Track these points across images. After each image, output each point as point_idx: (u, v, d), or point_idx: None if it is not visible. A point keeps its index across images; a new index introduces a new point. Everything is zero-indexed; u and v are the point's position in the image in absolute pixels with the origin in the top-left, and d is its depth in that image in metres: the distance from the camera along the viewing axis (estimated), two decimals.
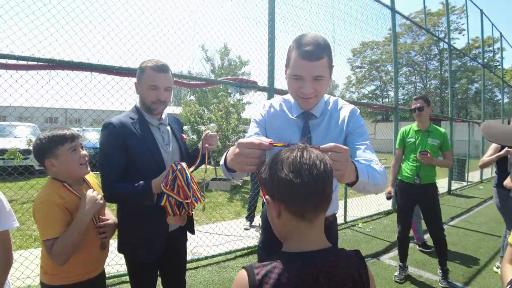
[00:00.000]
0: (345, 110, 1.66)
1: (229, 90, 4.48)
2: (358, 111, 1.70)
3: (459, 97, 29.34)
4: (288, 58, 1.53)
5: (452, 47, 10.37)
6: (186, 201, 1.74)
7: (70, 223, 1.65)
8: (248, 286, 0.91)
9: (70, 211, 1.67)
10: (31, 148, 8.69)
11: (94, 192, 1.74)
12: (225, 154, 1.37)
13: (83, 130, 13.05)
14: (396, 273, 3.90)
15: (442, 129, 3.89)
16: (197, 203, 1.78)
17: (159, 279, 2.11)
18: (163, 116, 2.03)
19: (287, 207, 0.96)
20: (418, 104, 3.80)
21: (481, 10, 12.26)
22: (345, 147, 1.08)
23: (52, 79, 3.14)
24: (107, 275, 3.50)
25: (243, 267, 0.97)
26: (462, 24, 25.78)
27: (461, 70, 27.50)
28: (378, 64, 32.96)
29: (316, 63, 1.42)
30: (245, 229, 5.58)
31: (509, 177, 0.73)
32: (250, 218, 5.82)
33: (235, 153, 1.13)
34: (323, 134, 1.62)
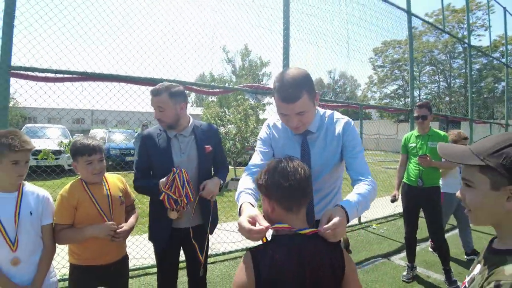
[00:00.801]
0: (340, 123, 1.83)
1: (246, 97, 4.73)
2: (352, 122, 1.86)
3: (485, 96, 28.48)
4: (274, 96, 1.70)
5: (472, 47, 10.23)
6: (179, 198, 2.16)
7: (72, 216, 2.04)
8: (252, 261, 1.22)
9: (76, 207, 2.05)
10: (62, 149, 9.22)
11: (111, 227, 2.06)
12: (240, 205, 1.52)
13: (109, 131, 13.66)
14: (404, 273, 4.05)
15: (442, 132, 4.02)
16: (187, 201, 2.19)
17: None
18: (187, 126, 2.40)
19: (279, 204, 1.29)
20: (422, 113, 3.96)
21: (504, 8, 11.98)
22: (338, 222, 1.28)
23: (84, 90, 3.51)
24: (133, 267, 3.88)
25: (248, 249, 1.27)
26: (489, 21, 24.98)
27: (487, 68, 26.70)
28: (400, 63, 32.40)
29: (295, 104, 1.59)
30: None
31: (459, 190, 0.86)
32: None
33: (244, 230, 1.28)
34: (321, 147, 1.81)
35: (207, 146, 2.43)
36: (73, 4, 3.45)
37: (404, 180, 4.18)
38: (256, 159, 1.87)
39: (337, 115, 1.89)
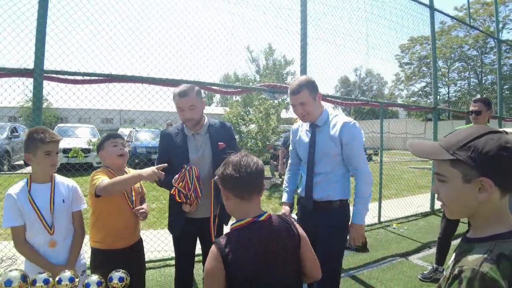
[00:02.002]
0: (339, 123, 2.37)
1: (263, 95, 4.83)
2: (352, 123, 2.35)
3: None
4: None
5: (501, 41, 9.84)
6: (188, 193, 2.35)
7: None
8: (218, 253, 1.40)
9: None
10: (90, 147, 9.72)
11: (154, 172, 2.21)
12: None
13: (137, 131, 14.14)
14: (425, 272, 3.94)
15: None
16: (195, 196, 2.36)
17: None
18: (203, 125, 2.58)
19: (233, 193, 1.48)
20: (476, 108, 3.70)
21: None
22: (358, 237, 2.37)
23: (110, 91, 3.74)
24: (154, 259, 4.08)
25: (213, 242, 1.47)
26: None
27: None
28: (428, 60, 31.34)
29: (298, 96, 2.35)
30: None
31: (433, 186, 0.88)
32: None
33: None
34: (325, 138, 2.40)
35: (220, 143, 2.59)
36: (99, 11, 3.67)
37: None
38: (293, 159, 2.82)
39: (341, 117, 2.43)
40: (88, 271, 2.34)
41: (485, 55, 29.67)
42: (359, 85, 52.72)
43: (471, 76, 31.79)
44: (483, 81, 30.04)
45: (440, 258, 3.92)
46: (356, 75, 55.50)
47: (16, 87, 3.47)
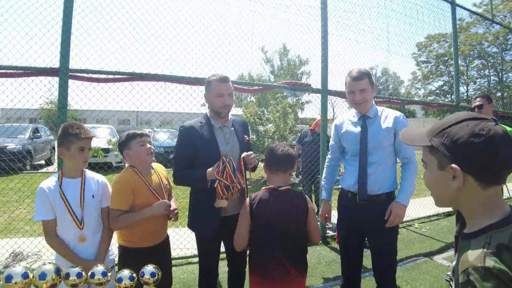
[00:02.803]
0: (391, 115, 2.52)
1: (284, 93, 4.79)
2: (401, 115, 2.52)
3: None
4: (345, 83, 2.58)
5: None
6: (232, 184, 2.32)
7: (131, 202, 2.23)
8: (248, 200, 2.15)
9: (134, 193, 2.24)
10: (110, 147, 9.84)
11: (166, 204, 2.29)
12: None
13: (154, 131, 14.32)
14: (449, 273, 3.89)
15: (508, 127, 3.82)
16: (240, 186, 2.36)
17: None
18: (228, 119, 2.55)
19: (267, 167, 2.18)
20: (477, 103, 3.86)
21: None
22: (399, 216, 2.38)
23: (133, 89, 3.78)
24: (177, 256, 4.10)
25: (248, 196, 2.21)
26: None
27: None
28: (446, 58, 30.68)
29: (360, 82, 2.46)
30: None
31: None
32: None
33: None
34: (377, 129, 2.50)
35: (245, 136, 2.60)
36: (122, 11, 3.72)
37: None
38: (331, 152, 2.90)
39: (390, 110, 2.57)
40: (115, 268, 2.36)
41: (505, 52, 28.84)
42: (375, 84, 52.06)
43: (491, 74, 30.95)
44: (504, 79, 29.22)
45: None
46: (372, 74, 54.65)
47: (38, 89, 3.52)
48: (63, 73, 3.44)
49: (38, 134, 11.90)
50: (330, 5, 4.85)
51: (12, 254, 4.02)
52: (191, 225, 2.54)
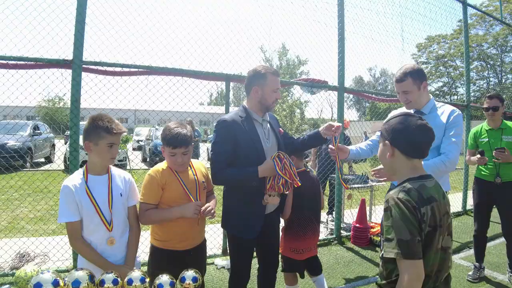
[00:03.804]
0: (447, 110, 2.41)
1: (301, 90, 4.67)
2: (457, 112, 2.40)
3: None
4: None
5: None
6: (292, 181, 2.17)
7: (159, 197, 2.09)
8: None
9: (163, 187, 2.10)
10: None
11: (196, 206, 2.07)
12: None
13: (156, 129, 14.10)
14: (470, 273, 3.84)
15: None
16: (300, 183, 2.20)
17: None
18: (266, 115, 2.39)
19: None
20: (493, 104, 3.69)
21: None
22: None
23: (149, 83, 3.64)
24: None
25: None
26: None
27: None
28: (446, 59, 30.73)
29: (401, 84, 2.41)
30: None
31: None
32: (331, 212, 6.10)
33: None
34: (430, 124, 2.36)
35: (280, 129, 2.50)
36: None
37: (475, 175, 3.93)
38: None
39: (448, 106, 2.47)
40: (143, 268, 2.22)
41: (505, 53, 28.92)
42: (374, 84, 52.23)
43: (491, 75, 31.04)
44: (503, 80, 29.31)
45: (479, 255, 3.89)
46: (371, 75, 54.91)
47: (37, 85, 3.37)
48: (77, 65, 3.30)
49: (38, 131, 11.67)
50: (346, 2, 4.74)
51: (18, 255, 3.87)
52: (228, 226, 2.37)
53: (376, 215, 5.94)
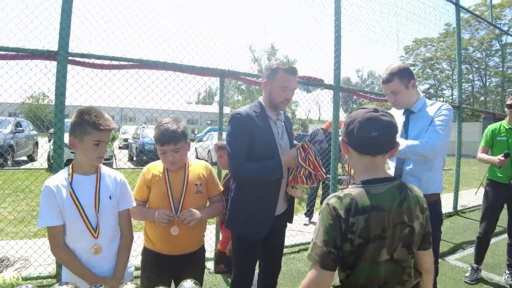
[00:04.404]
0: (437, 105, 2.34)
1: (297, 88, 4.55)
2: (447, 106, 2.30)
3: None
4: None
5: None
6: (316, 172, 2.05)
7: (145, 195, 2.05)
8: None
9: (149, 186, 2.04)
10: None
11: (164, 216, 1.91)
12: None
13: (143, 127, 13.79)
14: (467, 274, 3.81)
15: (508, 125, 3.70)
16: (325, 175, 2.11)
17: None
18: (280, 111, 2.27)
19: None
20: (510, 101, 3.60)
21: None
22: None
23: (140, 78, 3.45)
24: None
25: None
26: None
27: None
28: (432, 62, 31.21)
29: (388, 85, 2.33)
30: (304, 224, 5.76)
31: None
32: (309, 214, 6.04)
33: None
34: (418, 123, 2.34)
35: (293, 131, 2.39)
36: None
37: (488, 177, 3.88)
38: None
39: (438, 103, 2.38)
40: (136, 272, 2.05)
41: (489, 57, 29.55)
42: (361, 86, 52.80)
43: (476, 78, 31.69)
44: (487, 83, 29.94)
45: (480, 256, 3.85)
46: (358, 76, 55.47)
47: (19, 77, 3.14)
48: (62, 56, 3.08)
49: (21, 128, 11.24)
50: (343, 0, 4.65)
51: None
52: (234, 226, 2.22)
53: None
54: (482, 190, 7.36)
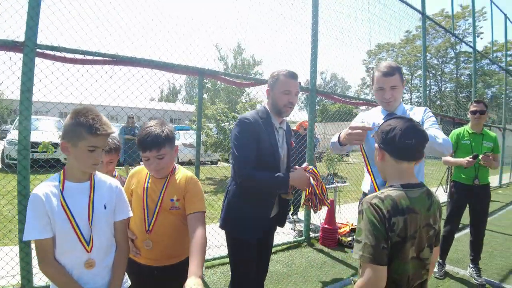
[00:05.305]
0: (420, 109, 2.34)
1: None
2: (427, 109, 2.36)
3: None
4: (372, 78, 2.31)
5: (477, 51, 10.27)
6: (324, 198, 2.12)
7: (130, 199, 1.89)
8: None
9: (131, 194, 1.91)
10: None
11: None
12: (338, 135, 2.12)
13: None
14: (436, 270, 3.98)
15: (493, 133, 3.99)
16: (329, 206, 2.23)
17: None
18: (284, 119, 2.28)
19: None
20: (481, 108, 3.89)
21: (505, 15, 12.15)
22: None
23: (115, 74, 3.27)
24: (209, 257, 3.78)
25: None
26: (481, 27, 25.48)
27: (478, 74, 27.25)
28: None
29: (390, 78, 2.18)
30: (289, 222, 5.71)
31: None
32: (295, 213, 6.12)
33: (347, 133, 1.92)
34: None
35: (292, 141, 2.40)
36: None
37: (453, 178, 4.09)
38: None
39: (419, 108, 2.38)
40: None
41: (445, 64, 31.46)
42: (324, 87, 54.14)
43: (432, 83, 33.59)
44: (443, 89, 31.84)
45: (445, 252, 4.07)
46: (322, 78, 56.83)
47: None
48: (30, 48, 2.85)
49: None
50: (321, 3, 4.70)
51: None
52: (228, 226, 2.18)
53: (341, 215, 6.01)
54: (441, 189, 7.83)
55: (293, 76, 2.16)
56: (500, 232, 6.05)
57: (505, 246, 5.22)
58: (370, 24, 5.81)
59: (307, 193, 2.12)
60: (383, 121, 2.36)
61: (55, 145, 9.01)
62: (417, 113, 2.32)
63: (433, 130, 2.13)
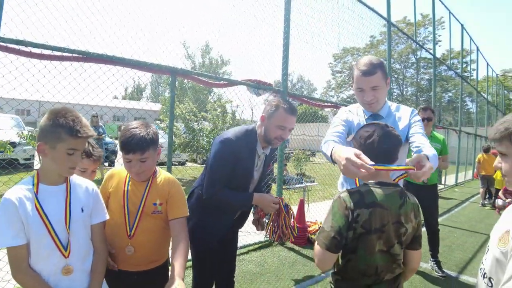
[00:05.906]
0: (406, 109, 2.10)
1: (247, 91, 4.60)
2: (415, 110, 2.14)
3: (436, 104, 30.66)
4: (352, 77, 2.06)
5: (436, 58, 10.89)
6: (288, 232, 2.29)
7: (107, 201, 1.81)
8: None
9: (109, 196, 1.85)
10: (22, 140, 8.26)
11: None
12: (332, 148, 1.66)
13: None
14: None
15: (441, 136, 4.31)
16: (293, 239, 2.34)
17: None
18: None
19: None
20: (428, 115, 4.18)
21: (462, 25, 12.96)
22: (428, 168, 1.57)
23: (85, 72, 3.17)
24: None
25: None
26: (439, 36, 27.02)
27: (437, 79, 28.83)
28: None
29: (371, 77, 1.93)
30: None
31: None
32: None
33: (342, 163, 1.45)
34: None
35: (270, 163, 2.51)
36: None
37: (405, 179, 4.32)
38: (339, 129, 2.04)
39: (403, 106, 2.16)
40: None
41: (406, 69, 33.03)
42: (291, 89, 55.00)
43: (394, 87, 35.12)
44: (404, 92, 33.36)
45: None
46: (289, 80, 57.58)
47: None
48: None
49: None
50: (293, 7, 4.80)
51: None
52: (194, 239, 2.09)
53: (310, 214, 6.15)
54: None
55: (292, 112, 2.12)
56: (458, 227, 6.53)
57: (462, 240, 5.64)
58: (339, 29, 6.01)
59: (270, 219, 2.29)
60: (365, 122, 2.09)
61: (13, 144, 8.50)
62: (404, 114, 2.09)
63: (422, 138, 1.90)
